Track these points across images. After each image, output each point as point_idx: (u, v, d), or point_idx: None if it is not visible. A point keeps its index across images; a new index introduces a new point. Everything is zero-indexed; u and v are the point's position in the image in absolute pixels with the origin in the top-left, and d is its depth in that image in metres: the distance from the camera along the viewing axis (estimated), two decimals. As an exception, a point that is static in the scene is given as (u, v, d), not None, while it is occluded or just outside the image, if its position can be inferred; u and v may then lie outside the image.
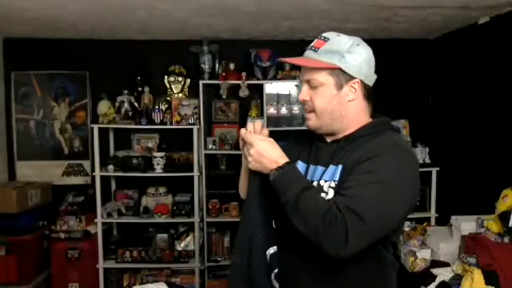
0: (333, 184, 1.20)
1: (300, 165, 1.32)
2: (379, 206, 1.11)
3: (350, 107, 1.25)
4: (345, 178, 1.17)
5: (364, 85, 1.25)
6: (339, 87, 1.23)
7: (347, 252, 1.08)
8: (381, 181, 1.12)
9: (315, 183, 1.24)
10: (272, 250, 1.26)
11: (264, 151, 1.21)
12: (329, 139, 1.31)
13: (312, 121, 1.28)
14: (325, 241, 1.08)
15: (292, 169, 1.21)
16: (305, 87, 1.27)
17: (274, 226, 1.30)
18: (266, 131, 1.29)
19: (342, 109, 1.24)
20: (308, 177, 1.27)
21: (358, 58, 1.21)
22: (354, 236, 1.07)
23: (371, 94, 1.29)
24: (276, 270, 1.25)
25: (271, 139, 1.24)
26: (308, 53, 1.25)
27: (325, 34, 1.24)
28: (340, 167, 1.21)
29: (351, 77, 1.22)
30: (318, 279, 1.23)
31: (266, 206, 1.27)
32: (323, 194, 1.20)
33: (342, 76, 1.22)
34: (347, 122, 1.26)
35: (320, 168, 1.26)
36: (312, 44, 1.25)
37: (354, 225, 1.07)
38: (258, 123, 1.28)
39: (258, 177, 1.26)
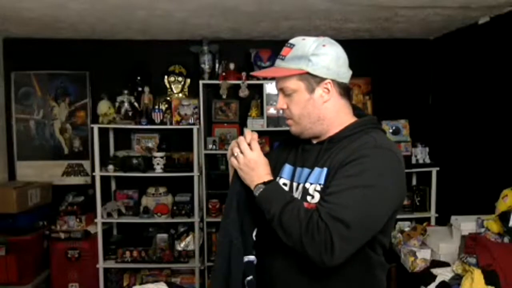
0: (318, 188, 1.20)
1: (287, 168, 1.33)
2: (362, 211, 1.10)
3: (327, 108, 1.25)
4: (329, 182, 1.18)
5: (337, 83, 1.24)
6: (311, 90, 1.23)
7: (334, 260, 1.08)
8: (363, 184, 1.12)
9: (301, 186, 1.25)
10: (246, 258, 1.28)
11: (254, 165, 1.24)
12: (314, 141, 1.31)
13: (293, 127, 1.29)
14: (310, 251, 1.09)
15: (275, 186, 1.23)
16: (280, 96, 1.28)
17: (255, 233, 1.32)
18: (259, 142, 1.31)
19: (319, 111, 1.24)
20: (295, 180, 1.29)
21: (325, 59, 1.20)
22: (339, 243, 1.07)
23: (349, 90, 1.29)
24: (249, 278, 1.26)
25: (262, 156, 1.26)
26: (277, 62, 1.27)
27: (291, 41, 1.25)
28: (325, 170, 1.21)
29: (322, 79, 1.22)
30: (303, 281, 1.22)
31: (242, 210, 1.30)
32: (308, 197, 1.21)
33: (312, 79, 1.22)
34: (327, 124, 1.26)
35: (306, 170, 1.27)
36: (280, 52, 1.26)
37: (338, 232, 1.07)
38: (255, 133, 1.29)
39: (239, 182, 1.29)
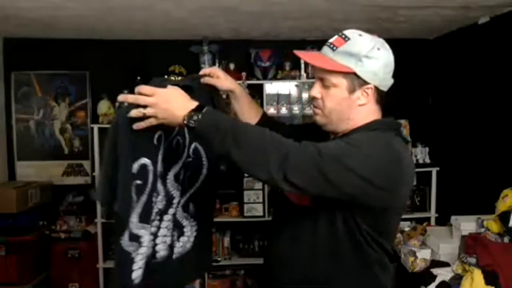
0: None
1: None
2: (339, 153, 1.08)
3: (360, 111, 1.23)
4: None
5: (378, 90, 1.22)
6: (351, 90, 1.19)
7: (284, 172, 1.04)
8: (350, 143, 1.12)
9: None
10: (142, 161, 1.19)
11: (171, 96, 1.12)
12: (331, 136, 1.31)
13: (319, 117, 1.26)
14: (266, 157, 1.05)
15: (211, 109, 1.14)
16: (317, 84, 1.24)
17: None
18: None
19: (351, 112, 1.22)
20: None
21: (376, 64, 1.18)
22: (303, 158, 1.05)
23: (384, 97, 1.26)
24: (138, 182, 1.18)
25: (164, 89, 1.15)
26: (326, 50, 1.20)
27: (346, 32, 1.20)
28: None
29: (365, 82, 1.19)
30: (298, 273, 1.23)
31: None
32: None
33: (356, 80, 1.18)
34: (352, 124, 1.24)
35: None
36: (331, 40, 1.20)
37: (307, 150, 1.07)
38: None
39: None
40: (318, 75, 1.23)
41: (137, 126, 1.14)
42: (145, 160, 1.19)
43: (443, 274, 2.21)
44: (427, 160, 3.51)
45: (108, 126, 3.47)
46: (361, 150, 1.10)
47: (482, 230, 2.27)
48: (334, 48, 1.18)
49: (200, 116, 1.09)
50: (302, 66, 3.57)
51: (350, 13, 2.87)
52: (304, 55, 1.30)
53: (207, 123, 1.09)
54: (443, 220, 3.12)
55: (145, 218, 1.22)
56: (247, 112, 1.48)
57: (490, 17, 2.90)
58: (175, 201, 1.32)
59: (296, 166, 1.05)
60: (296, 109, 3.62)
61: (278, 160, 1.04)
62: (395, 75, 1.31)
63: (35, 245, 3.43)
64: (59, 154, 3.80)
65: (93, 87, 3.77)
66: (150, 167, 1.21)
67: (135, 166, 1.18)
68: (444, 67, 3.65)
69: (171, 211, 1.31)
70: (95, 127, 3.45)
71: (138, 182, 1.19)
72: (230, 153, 1.07)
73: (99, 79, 3.75)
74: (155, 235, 1.26)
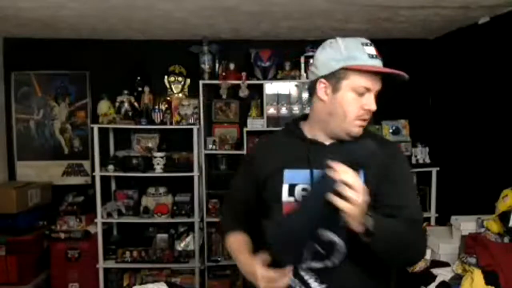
0: None
1: (300, 172, 1.25)
2: (418, 205, 1.31)
3: None
4: (369, 177, 1.20)
5: None
6: None
7: (423, 255, 1.37)
8: (409, 184, 1.34)
9: None
10: (333, 237, 1.22)
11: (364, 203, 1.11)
12: (327, 142, 1.28)
13: (361, 128, 1.25)
14: (418, 254, 1.29)
15: (374, 215, 1.15)
16: (374, 97, 1.24)
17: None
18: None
19: None
20: (315, 181, 1.20)
21: None
22: (423, 239, 1.37)
23: None
24: (319, 248, 1.22)
25: None
26: (379, 62, 1.26)
27: (369, 41, 1.27)
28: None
29: None
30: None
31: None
32: None
33: None
34: None
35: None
36: (372, 52, 1.24)
37: (421, 230, 1.31)
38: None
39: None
40: (377, 87, 1.26)
41: (331, 198, 1.07)
42: (337, 239, 1.22)
43: (443, 274, 2.21)
44: (427, 160, 3.51)
45: (107, 125, 3.50)
46: (413, 182, 1.45)
47: (482, 230, 2.27)
48: (381, 59, 1.27)
49: (374, 222, 1.10)
50: (302, 66, 3.57)
51: (350, 13, 2.87)
52: (388, 70, 1.28)
53: (382, 228, 1.13)
54: (443, 220, 3.12)
55: None
56: None
57: (490, 17, 2.90)
58: None
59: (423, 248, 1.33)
60: (296, 109, 3.62)
61: (417, 254, 1.29)
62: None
63: (35, 245, 3.43)
64: (59, 154, 3.80)
65: (93, 87, 3.77)
66: (340, 246, 1.22)
67: (322, 234, 1.22)
68: (444, 67, 3.65)
69: None
70: (95, 127, 3.45)
71: (319, 249, 1.23)
72: (385, 254, 1.18)
73: (99, 79, 3.75)
74: None
